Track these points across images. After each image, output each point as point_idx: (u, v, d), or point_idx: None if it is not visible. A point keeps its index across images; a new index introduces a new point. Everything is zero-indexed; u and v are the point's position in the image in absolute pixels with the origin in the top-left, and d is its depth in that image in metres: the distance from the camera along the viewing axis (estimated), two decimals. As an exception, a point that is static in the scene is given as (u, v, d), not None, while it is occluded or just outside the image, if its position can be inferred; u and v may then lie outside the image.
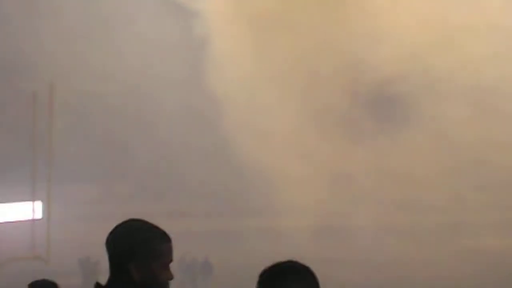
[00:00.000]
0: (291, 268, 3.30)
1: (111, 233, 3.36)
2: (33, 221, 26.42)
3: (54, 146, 26.16)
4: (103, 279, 3.42)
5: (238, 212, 29.84)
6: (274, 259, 3.49)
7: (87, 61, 28.93)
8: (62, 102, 26.97)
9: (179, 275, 21.93)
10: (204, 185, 30.34)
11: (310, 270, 3.30)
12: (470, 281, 23.30)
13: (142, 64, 30.24)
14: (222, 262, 23.39)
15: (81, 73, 28.76)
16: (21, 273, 21.33)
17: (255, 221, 28.98)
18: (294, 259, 3.36)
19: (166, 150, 30.09)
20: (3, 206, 27.81)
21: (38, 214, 27.29)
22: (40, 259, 23.98)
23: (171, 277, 3.40)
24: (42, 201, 27.13)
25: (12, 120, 27.66)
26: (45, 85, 25.76)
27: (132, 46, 30.08)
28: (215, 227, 28.72)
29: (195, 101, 30.10)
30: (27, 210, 27.07)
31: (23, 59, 28.24)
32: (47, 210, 26.56)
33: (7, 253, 23.68)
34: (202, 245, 24.68)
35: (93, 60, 28.96)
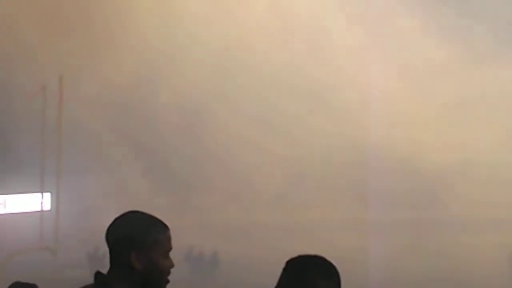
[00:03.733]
0: (320, 261, 3.33)
1: (111, 224, 3.42)
2: (42, 212, 26.54)
3: (63, 138, 26.25)
4: (110, 270, 3.49)
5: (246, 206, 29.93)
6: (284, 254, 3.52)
7: (97, 53, 28.97)
8: (72, 95, 27.03)
9: (186, 267, 22.03)
10: (212, 178, 30.39)
11: (336, 267, 3.35)
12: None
13: (151, 57, 30.29)
14: (230, 256, 23.40)
15: (90, 66, 28.79)
16: (29, 264, 21.47)
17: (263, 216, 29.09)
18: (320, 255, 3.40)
19: (178, 143, 30.15)
20: (12, 197, 27.90)
21: (47, 206, 27.40)
22: (48, 250, 24.09)
23: (171, 265, 3.49)
24: (51, 192, 27.23)
25: (21, 112, 27.75)
26: (55, 78, 25.88)
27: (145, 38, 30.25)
28: (224, 220, 28.72)
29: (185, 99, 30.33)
30: (36, 202, 27.18)
31: (32, 51, 28.32)
32: (55, 201, 26.66)
33: (16, 244, 23.78)
34: (210, 238, 24.72)
35: (103, 52, 29.01)
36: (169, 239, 3.46)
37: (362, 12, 31.07)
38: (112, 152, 29.81)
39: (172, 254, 3.49)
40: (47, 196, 27.53)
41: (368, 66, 30.36)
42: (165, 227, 3.45)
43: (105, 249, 3.49)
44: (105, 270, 3.47)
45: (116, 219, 3.41)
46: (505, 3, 31.60)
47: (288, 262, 3.38)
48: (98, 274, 3.41)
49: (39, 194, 26.97)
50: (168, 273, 3.48)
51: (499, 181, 29.19)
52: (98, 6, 29.57)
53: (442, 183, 30.12)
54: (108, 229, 3.40)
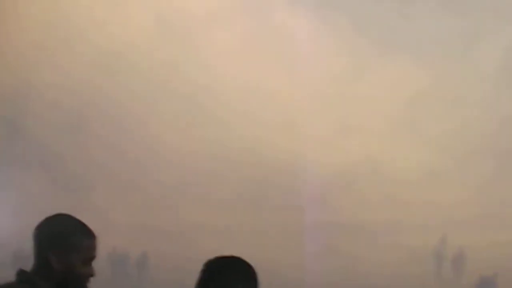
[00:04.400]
0: (238, 263, 3.38)
1: (39, 224, 3.44)
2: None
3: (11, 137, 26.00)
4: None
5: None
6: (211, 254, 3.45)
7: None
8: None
9: (110, 268, 21.79)
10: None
11: (254, 269, 3.37)
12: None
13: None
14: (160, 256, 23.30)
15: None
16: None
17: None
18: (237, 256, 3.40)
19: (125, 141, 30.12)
20: None
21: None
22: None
23: (91, 273, 3.47)
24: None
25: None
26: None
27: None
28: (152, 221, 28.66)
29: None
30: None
31: None
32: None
33: None
34: (138, 239, 24.61)
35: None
36: (92, 247, 3.56)
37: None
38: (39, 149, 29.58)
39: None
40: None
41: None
42: (89, 234, 3.54)
43: (29, 250, 3.54)
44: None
45: (44, 219, 3.44)
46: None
47: (206, 264, 3.41)
48: (20, 271, 3.47)
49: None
50: (86, 280, 3.47)
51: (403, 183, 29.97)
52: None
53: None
54: (36, 228, 3.42)
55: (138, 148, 29.57)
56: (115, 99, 29.99)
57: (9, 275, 3.55)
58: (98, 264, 3.67)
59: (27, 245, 3.52)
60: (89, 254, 3.49)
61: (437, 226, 26.96)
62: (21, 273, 3.44)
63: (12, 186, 28.06)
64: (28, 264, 3.56)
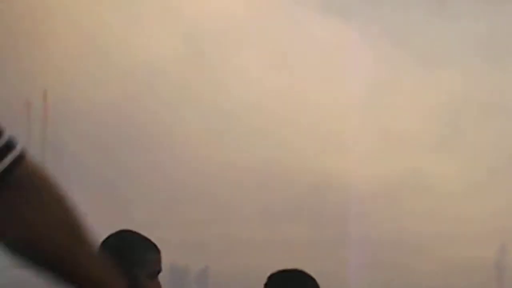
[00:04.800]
0: (300, 276, 3.43)
1: (101, 243, 3.50)
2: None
3: (48, 155, 26.05)
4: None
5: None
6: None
7: (82, 67, 28.83)
8: (57, 111, 26.85)
9: (171, 283, 21.78)
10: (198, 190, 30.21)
11: (316, 281, 3.38)
12: None
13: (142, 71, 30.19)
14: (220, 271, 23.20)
15: (76, 80, 28.64)
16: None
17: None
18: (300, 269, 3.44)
19: (164, 158, 30.02)
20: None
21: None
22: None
23: (158, 287, 3.49)
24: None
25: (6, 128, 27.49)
26: (39, 93, 25.70)
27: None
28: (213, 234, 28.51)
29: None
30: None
31: (16, 66, 28.14)
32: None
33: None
34: (199, 253, 24.45)
35: (88, 66, 28.88)
36: (157, 261, 3.50)
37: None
38: (97, 170, 29.63)
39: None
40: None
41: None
42: (154, 249, 3.51)
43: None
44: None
45: (107, 236, 3.48)
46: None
47: (269, 277, 3.43)
48: None
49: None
50: None
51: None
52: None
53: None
54: (99, 246, 3.47)
55: (180, 164, 29.46)
56: (154, 115, 29.84)
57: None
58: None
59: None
60: (154, 268, 3.47)
61: (492, 236, 26.51)
62: None
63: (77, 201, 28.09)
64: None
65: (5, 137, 1.69)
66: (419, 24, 31.25)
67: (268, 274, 3.39)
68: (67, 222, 1.75)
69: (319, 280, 3.44)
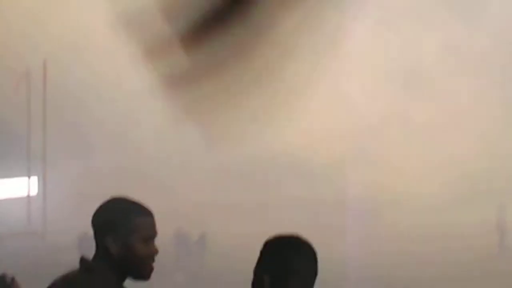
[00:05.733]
0: (297, 241, 3.38)
1: (94, 212, 3.48)
2: (29, 197, 26.49)
3: (48, 123, 26.18)
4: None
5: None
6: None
7: (82, 36, 28.78)
8: (56, 80, 26.88)
9: (173, 249, 22.13)
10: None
11: (312, 246, 3.38)
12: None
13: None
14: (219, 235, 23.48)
15: (75, 50, 28.62)
16: (18, 249, 21.46)
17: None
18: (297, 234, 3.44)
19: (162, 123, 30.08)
20: (-1, 182, 27.81)
21: (34, 190, 27.34)
22: (36, 235, 24.08)
23: (152, 252, 3.47)
24: (37, 177, 27.16)
25: (6, 98, 27.57)
26: (39, 63, 25.75)
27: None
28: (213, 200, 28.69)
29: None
30: (22, 186, 27.11)
31: (15, 36, 28.12)
32: (42, 185, 26.62)
33: (4, 229, 23.75)
34: (198, 219, 24.76)
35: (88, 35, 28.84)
36: (149, 225, 3.45)
37: None
38: (98, 136, 29.69)
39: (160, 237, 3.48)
40: (34, 180, 27.49)
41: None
42: (146, 212, 3.45)
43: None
44: (93, 254, 3.49)
45: (100, 205, 3.46)
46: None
47: (265, 243, 3.44)
48: (82, 259, 3.46)
49: (26, 179, 26.92)
50: (150, 259, 3.46)
51: None
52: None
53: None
54: (93, 215, 3.46)
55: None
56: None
57: (74, 260, 3.60)
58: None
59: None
60: (148, 233, 3.39)
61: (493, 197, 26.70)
62: (83, 262, 3.45)
63: (76, 171, 28.44)
64: (92, 246, 3.54)
65: None
66: None
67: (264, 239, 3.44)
68: None
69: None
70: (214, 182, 29.93)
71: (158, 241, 3.46)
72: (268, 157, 30.06)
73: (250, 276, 3.40)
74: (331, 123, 29.42)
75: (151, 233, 3.43)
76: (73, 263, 3.54)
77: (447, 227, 25.12)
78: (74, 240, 21.62)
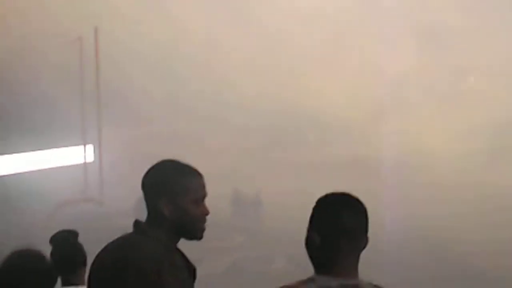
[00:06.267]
0: (346, 198, 3.44)
1: (145, 173, 3.55)
2: (85, 164, 26.85)
3: (102, 90, 26.38)
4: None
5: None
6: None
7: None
8: (109, 46, 27.01)
9: (229, 208, 22.48)
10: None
11: (363, 203, 3.44)
12: None
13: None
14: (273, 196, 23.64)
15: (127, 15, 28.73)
16: (76, 216, 21.80)
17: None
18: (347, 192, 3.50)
19: (216, 89, 30.20)
20: (54, 151, 28.27)
21: (90, 158, 27.70)
22: (94, 201, 24.46)
23: (204, 212, 3.57)
24: (93, 144, 27.50)
25: (58, 65, 27.84)
26: (91, 29, 25.90)
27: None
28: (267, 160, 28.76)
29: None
30: (78, 154, 27.48)
31: (66, 3, 28.27)
32: (98, 153, 26.95)
33: (62, 197, 24.17)
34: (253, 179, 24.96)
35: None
36: (200, 186, 3.54)
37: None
38: (152, 102, 29.89)
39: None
40: (90, 148, 27.82)
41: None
42: (195, 174, 3.52)
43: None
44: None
45: (149, 168, 3.53)
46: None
47: (318, 200, 3.56)
48: (136, 223, 3.53)
49: (82, 147, 27.26)
50: (202, 220, 3.52)
51: None
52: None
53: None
54: (143, 178, 3.52)
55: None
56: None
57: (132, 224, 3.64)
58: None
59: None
60: (198, 194, 3.45)
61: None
62: (136, 225, 3.51)
63: (129, 137, 28.77)
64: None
65: None
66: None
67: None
68: None
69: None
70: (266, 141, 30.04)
71: (214, 202, 3.49)
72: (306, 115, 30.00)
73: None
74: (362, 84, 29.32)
75: (202, 194, 3.51)
76: (130, 228, 3.59)
77: (483, 188, 24.71)
78: (130, 205, 21.94)
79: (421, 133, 28.33)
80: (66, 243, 5.10)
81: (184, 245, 3.58)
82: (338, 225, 3.32)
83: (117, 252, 3.36)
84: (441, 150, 27.48)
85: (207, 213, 3.44)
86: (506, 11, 29.02)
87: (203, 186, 3.47)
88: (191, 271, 3.51)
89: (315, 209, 3.40)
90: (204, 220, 3.44)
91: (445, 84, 30.06)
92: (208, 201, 3.53)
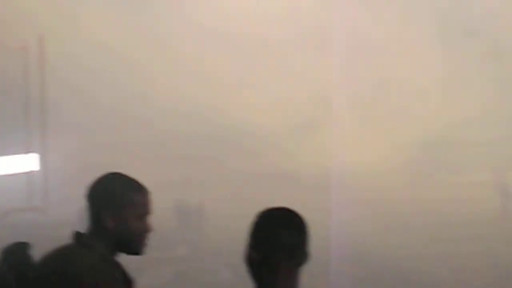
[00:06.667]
0: (285, 213, 3.49)
1: (90, 185, 3.51)
2: (30, 173, 26.47)
3: (48, 98, 26.04)
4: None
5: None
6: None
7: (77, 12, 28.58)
8: (54, 54, 26.68)
9: (172, 221, 22.30)
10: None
11: (303, 219, 3.43)
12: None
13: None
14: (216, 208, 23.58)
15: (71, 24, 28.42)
16: (20, 225, 21.50)
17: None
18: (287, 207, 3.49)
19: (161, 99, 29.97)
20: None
21: (35, 166, 27.32)
22: (38, 210, 24.11)
23: (147, 229, 3.52)
24: (38, 153, 27.13)
25: (2, 75, 27.44)
26: (35, 38, 25.58)
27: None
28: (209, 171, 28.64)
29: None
30: (23, 162, 27.09)
31: (10, 12, 27.87)
32: (43, 161, 26.58)
33: (6, 206, 23.80)
34: (195, 191, 24.83)
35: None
36: (145, 202, 3.49)
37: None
38: (98, 110, 29.56)
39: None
40: (35, 156, 27.44)
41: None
42: (141, 189, 3.50)
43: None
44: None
45: (96, 179, 3.50)
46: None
47: (257, 216, 3.53)
48: (76, 234, 3.48)
49: (26, 155, 26.88)
50: (144, 236, 3.49)
51: None
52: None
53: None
54: (87, 188, 3.51)
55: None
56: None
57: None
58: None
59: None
60: (144, 210, 3.45)
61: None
62: (76, 236, 3.48)
63: (75, 146, 28.36)
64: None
65: None
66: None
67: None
68: None
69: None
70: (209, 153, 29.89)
71: (157, 212, 3.50)
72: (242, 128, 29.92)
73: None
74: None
75: (147, 210, 3.49)
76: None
77: (406, 205, 24.95)
78: (75, 215, 21.67)
79: (344, 148, 28.44)
80: (21, 256, 5.01)
81: (126, 256, 3.59)
82: (276, 241, 3.36)
83: (54, 264, 3.34)
84: (365, 166, 27.59)
85: (150, 230, 3.43)
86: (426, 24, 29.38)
87: (149, 202, 3.48)
88: (129, 284, 3.50)
89: (253, 224, 3.40)
90: (146, 237, 3.44)
91: (369, 98, 30.18)
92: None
